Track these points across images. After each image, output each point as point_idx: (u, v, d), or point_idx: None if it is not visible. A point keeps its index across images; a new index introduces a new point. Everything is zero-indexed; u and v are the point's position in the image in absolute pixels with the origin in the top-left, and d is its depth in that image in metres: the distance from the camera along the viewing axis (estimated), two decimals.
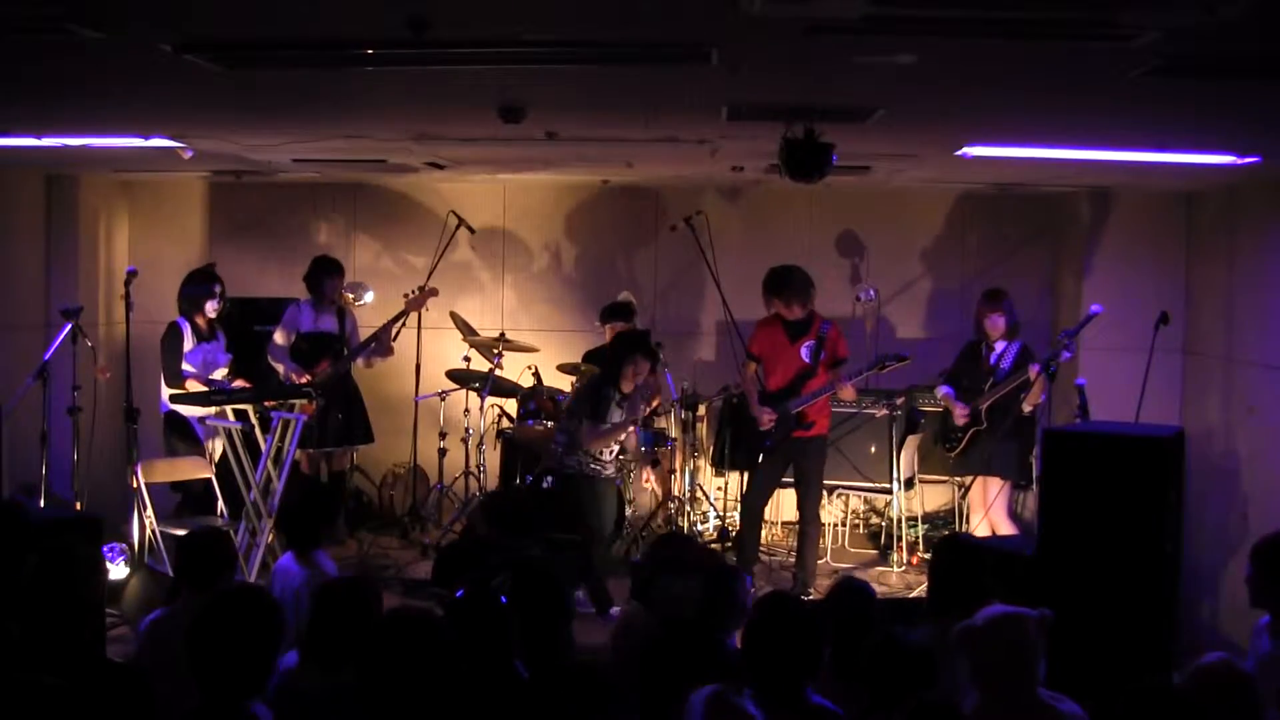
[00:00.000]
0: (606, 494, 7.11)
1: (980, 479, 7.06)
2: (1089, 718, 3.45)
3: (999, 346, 7.16)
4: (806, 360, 6.88)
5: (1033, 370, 6.75)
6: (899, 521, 7.93)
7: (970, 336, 7.44)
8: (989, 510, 7.00)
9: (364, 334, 7.96)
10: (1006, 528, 6.96)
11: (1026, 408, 6.95)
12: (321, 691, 3.58)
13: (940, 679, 3.54)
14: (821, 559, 7.41)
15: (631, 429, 7.15)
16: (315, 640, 3.76)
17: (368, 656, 3.32)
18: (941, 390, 7.33)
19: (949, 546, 4.61)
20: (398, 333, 7.99)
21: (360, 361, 7.94)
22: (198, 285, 7.36)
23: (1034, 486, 7.06)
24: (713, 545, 7.90)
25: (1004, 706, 3.41)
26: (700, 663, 3.73)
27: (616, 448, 7.15)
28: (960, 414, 7.10)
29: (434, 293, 8.06)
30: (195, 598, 4.16)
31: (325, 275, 7.82)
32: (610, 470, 7.14)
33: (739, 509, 7.48)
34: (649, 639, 4.06)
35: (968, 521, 7.51)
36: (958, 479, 7.79)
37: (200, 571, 4.26)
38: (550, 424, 7.59)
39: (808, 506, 6.98)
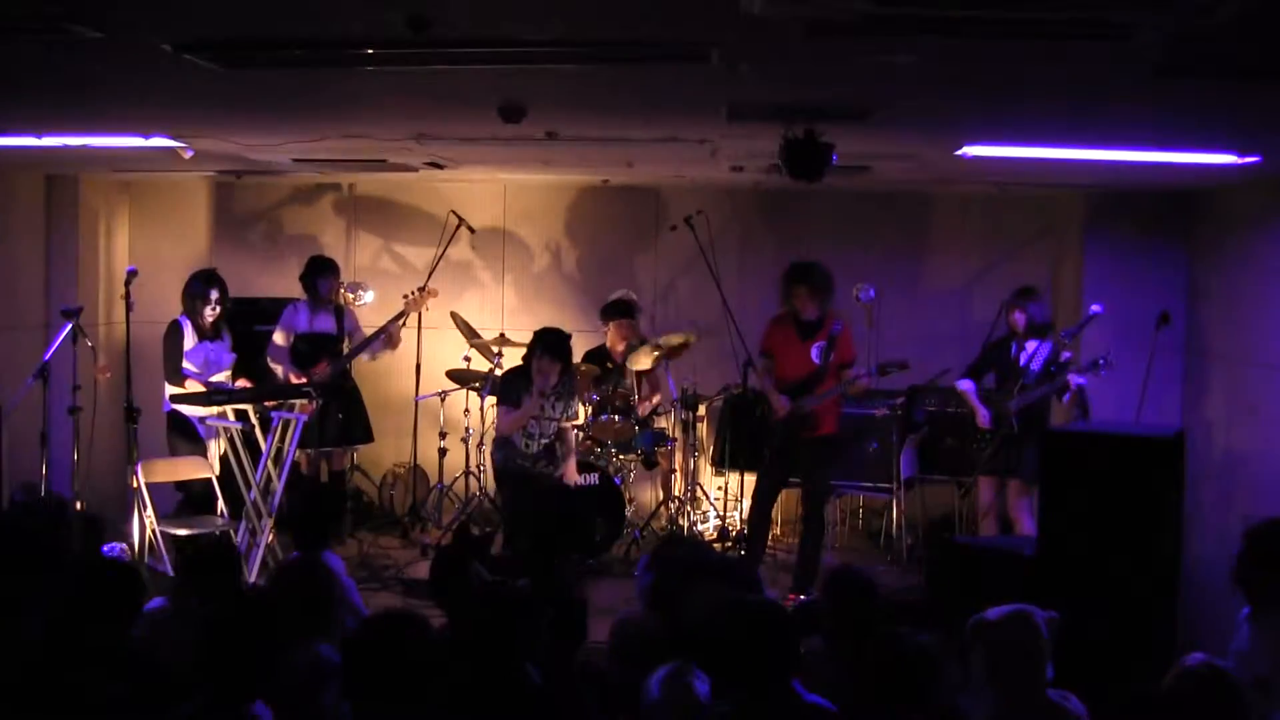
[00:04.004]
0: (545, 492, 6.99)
1: (995, 479, 7.05)
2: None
3: (1030, 346, 7.09)
4: (816, 361, 6.88)
5: (1072, 380, 6.76)
6: (899, 522, 7.92)
7: (970, 336, 7.43)
8: (1012, 512, 6.98)
9: (364, 333, 7.96)
10: (1028, 529, 6.91)
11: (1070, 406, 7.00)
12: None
13: (943, 682, 3.54)
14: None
15: (572, 428, 7.17)
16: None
17: (356, 654, 3.32)
18: (961, 385, 7.26)
19: (945, 551, 4.59)
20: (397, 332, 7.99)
21: (365, 356, 7.94)
22: (195, 286, 7.36)
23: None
24: (713, 545, 7.91)
25: (1017, 706, 3.42)
26: None
27: (544, 440, 7.07)
28: (983, 419, 7.07)
29: (433, 293, 8.06)
30: (198, 602, 4.21)
31: (320, 275, 7.82)
32: (540, 465, 7.07)
33: (747, 513, 7.44)
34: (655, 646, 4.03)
35: (968, 521, 7.51)
36: (958, 479, 7.78)
37: (205, 578, 4.28)
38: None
39: (811, 505, 6.96)
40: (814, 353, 6.89)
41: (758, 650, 3.42)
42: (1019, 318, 7.10)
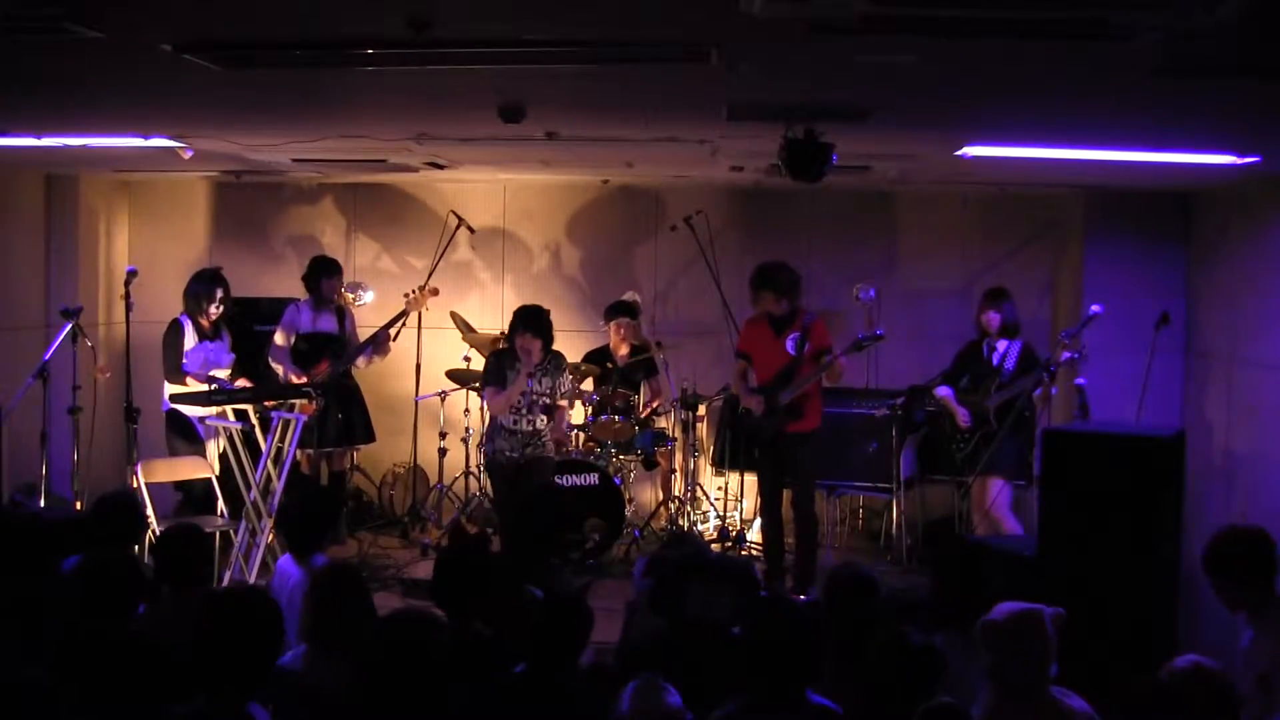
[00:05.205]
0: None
1: (981, 478, 7.06)
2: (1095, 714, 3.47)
3: (1000, 345, 7.16)
4: (791, 353, 6.88)
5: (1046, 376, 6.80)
6: (899, 522, 7.92)
7: (970, 336, 7.44)
8: (991, 509, 7.00)
9: (364, 334, 7.96)
10: (1011, 526, 6.95)
11: (1041, 405, 6.99)
12: (324, 687, 3.60)
13: (953, 683, 3.54)
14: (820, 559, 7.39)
15: (562, 407, 7.04)
16: (315, 628, 3.82)
17: (369, 658, 3.32)
18: (940, 392, 7.32)
19: (955, 551, 4.59)
20: (397, 333, 7.98)
21: (360, 361, 7.94)
22: (200, 285, 7.36)
23: (1034, 485, 7.06)
24: (713, 545, 7.91)
25: (1017, 703, 3.43)
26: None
27: (538, 423, 6.93)
28: (963, 419, 7.11)
29: (434, 292, 8.07)
30: (177, 595, 4.26)
31: (323, 275, 7.82)
32: (529, 450, 6.95)
33: (760, 525, 7.40)
34: (663, 648, 4.04)
35: (968, 522, 7.50)
36: (958, 479, 7.78)
37: (179, 568, 4.33)
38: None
39: (801, 503, 6.95)
40: (789, 344, 6.89)
41: (782, 650, 3.40)
42: (993, 317, 7.16)
